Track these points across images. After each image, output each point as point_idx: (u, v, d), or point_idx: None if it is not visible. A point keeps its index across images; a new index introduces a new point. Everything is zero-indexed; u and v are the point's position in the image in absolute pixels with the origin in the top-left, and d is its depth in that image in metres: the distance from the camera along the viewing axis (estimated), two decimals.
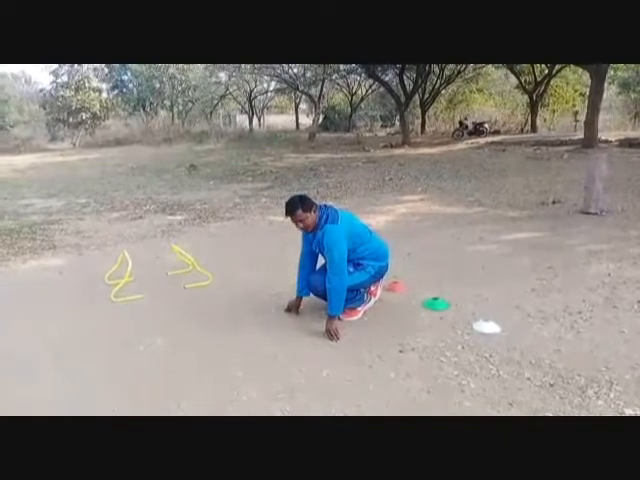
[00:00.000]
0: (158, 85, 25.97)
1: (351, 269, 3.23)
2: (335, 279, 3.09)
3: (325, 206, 3.25)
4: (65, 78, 22.06)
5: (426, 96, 22.90)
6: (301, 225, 3.19)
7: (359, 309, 3.39)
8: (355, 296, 3.34)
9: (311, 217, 3.14)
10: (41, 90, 24.45)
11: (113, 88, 26.60)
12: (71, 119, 21.85)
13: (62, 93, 21.69)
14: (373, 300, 3.47)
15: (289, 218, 3.19)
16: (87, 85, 22.23)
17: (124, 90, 26.80)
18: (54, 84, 22.35)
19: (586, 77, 17.48)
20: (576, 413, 2.28)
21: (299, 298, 3.46)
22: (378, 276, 3.39)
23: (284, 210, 3.20)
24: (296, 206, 3.13)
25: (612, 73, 18.85)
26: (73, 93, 21.62)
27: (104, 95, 24.20)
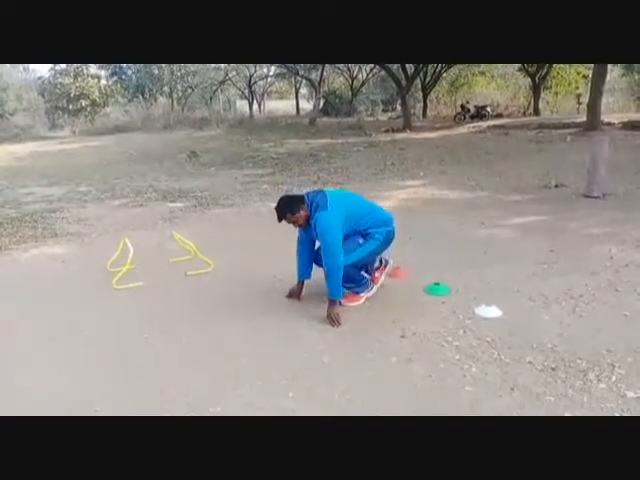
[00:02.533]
0: (157, 71, 25.77)
1: (361, 240, 3.23)
2: (331, 262, 3.09)
3: (315, 193, 3.21)
4: (63, 65, 21.89)
5: (428, 79, 22.71)
6: (296, 225, 3.24)
7: (361, 295, 3.39)
8: (361, 280, 3.35)
9: (302, 214, 3.15)
10: (39, 77, 24.30)
11: (112, 75, 26.39)
12: (70, 106, 21.74)
13: (61, 80, 21.56)
14: (375, 288, 3.47)
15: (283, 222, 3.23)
16: (86, 72, 22.09)
17: (123, 77, 26.59)
18: (52, 71, 22.20)
19: None
20: (578, 397, 2.29)
21: (300, 283, 3.46)
22: (387, 242, 3.35)
23: (275, 217, 3.22)
24: (284, 211, 3.16)
25: None
26: (72, 80, 21.49)
27: (103, 82, 24.05)
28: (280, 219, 3.22)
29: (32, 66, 28.79)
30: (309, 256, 3.39)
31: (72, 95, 21.40)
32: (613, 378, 2.42)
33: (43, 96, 22.90)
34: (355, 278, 3.30)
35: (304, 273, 3.42)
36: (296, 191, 3.35)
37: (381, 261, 3.59)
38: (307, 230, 3.27)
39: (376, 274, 3.52)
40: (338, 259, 3.08)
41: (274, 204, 3.30)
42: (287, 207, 3.16)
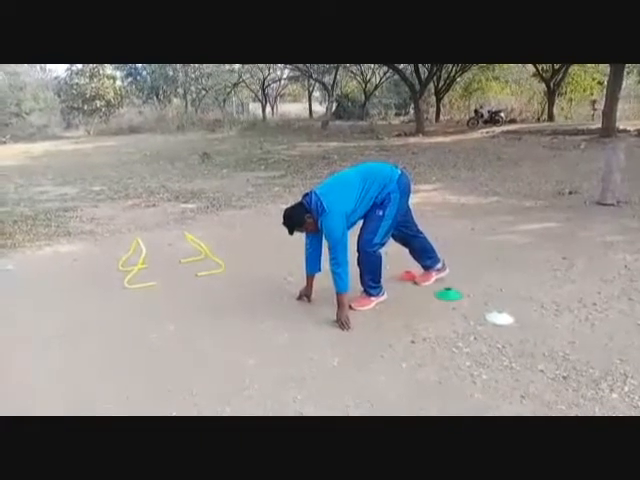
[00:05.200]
0: (171, 73, 25.99)
1: (380, 212, 3.20)
2: (335, 266, 3.10)
3: (309, 197, 3.17)
4: (80, 66, 22.16)
5: (441, 84, 22.66)
6: (309, 231, 3.26)
7: (372, 299, 3.38)
8: (379, 277, 3.36)
9: (310, 222, 3.16)
10: (56, 78, 24.64)
11: (127, 76, 26.68)
12: (86, 107, 22.01)
13: (77, 81, 21.85)
14: (386, 295, 3.45)
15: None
16: (101, 73, 22.35)
17: (138, 78, 26.88)
18: (69, 72, 22.49)
19: (604, 65, 17.15)
20: (589, 406, 2.26)
21: (310, 278, 3.44)
22: (405, 192, 3.30)
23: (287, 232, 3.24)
24: (291, 225, 3.19)
25: None
26: (88, 81, 21.76)
27: (118, 83, 24.31)
28: (291, 232, 3.23)
29: (49, 66, 29.11)
30: (318, 249, 3.37)
31: (88, 95, 21.66)
32: (626, 388, 2.38)
33: (59, 96, 23.18)
34: (377, 268, 3.31)
35: (314, 266, 3.40)
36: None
37: (443, 264, 3.75)
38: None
39: (433, 273, 3.69)
40: (343, 262, 3.09)
41: (285, 206, 3.31)
42: (292, 221, 3.18)
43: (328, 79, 23.48)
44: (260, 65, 25.56)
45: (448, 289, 3.52)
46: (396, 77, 23.16)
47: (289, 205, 3.37)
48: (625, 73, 14.72)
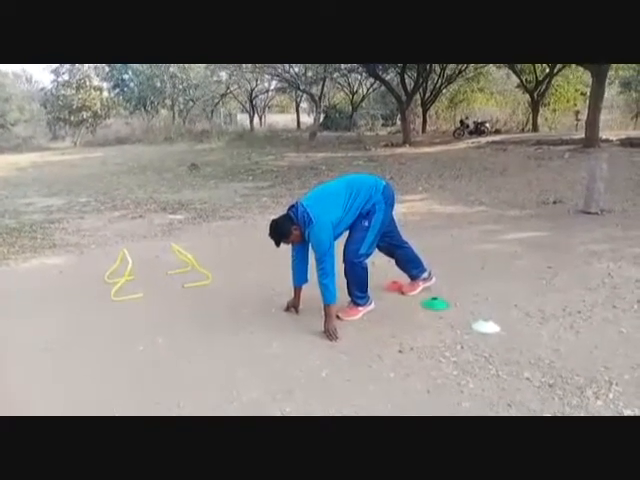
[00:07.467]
0: (159, 84, 25.99)
1: (366, 223, 3.23)
2: (323, 277, 3.10)
3: (295, 208, 3.18)
4: (66, 77, 22.10)
5: (427, 95, 22.89)
6: (295, 243, 3.25)
7: (360, 309, 3.39)
8: (366, 289, 3.36)
9: (296, 233, 3.15)
10: (42, 89, 24.51)
11: (114, 87, 26.64)
12: (72, 118, 21.87)
13: (63, 92, 21.73)
14: (373, 304, 3.47)
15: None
16: (88, 84, 22.26)
17: (125, 89, 26.84)
18: (55, 83, 22.39)
19: (587, 76, 17.47)
20: (575, 414, 2.28)
21: (298, 290, 3.43)
22: (390, 203, 3.36)
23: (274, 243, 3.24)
24: (277, 237, 3.18)
25: (613, 72, 18.85)
26: (74, 92, 21.65)
27: (105, 94, 24.22)
28: (278, 244, 3.23)
29: (35, 77, 29.14)
30: (304, 261, 3.36)
31: (74, 107, 21.54)
32: (610, 395, 2.41)
33: (45, 107, 23.04)
34: (363, 278, 3.31)
35: (301, 278, 3.40)
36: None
37: (430, 274, 3.77)
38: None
39: (420, 282, 3.70)
40: (330, 274, 3.10)
41: (273, 216, 3.32)
42: (278, 233, 3.18)
43: (316, 90, 23.62)
44: (248, 76, 25.67)
45: (434, 298, 3.54)
46: (383, 88, 23.38)
47: (276, 216, 3.38)
48: (607, 84, 14.99)
